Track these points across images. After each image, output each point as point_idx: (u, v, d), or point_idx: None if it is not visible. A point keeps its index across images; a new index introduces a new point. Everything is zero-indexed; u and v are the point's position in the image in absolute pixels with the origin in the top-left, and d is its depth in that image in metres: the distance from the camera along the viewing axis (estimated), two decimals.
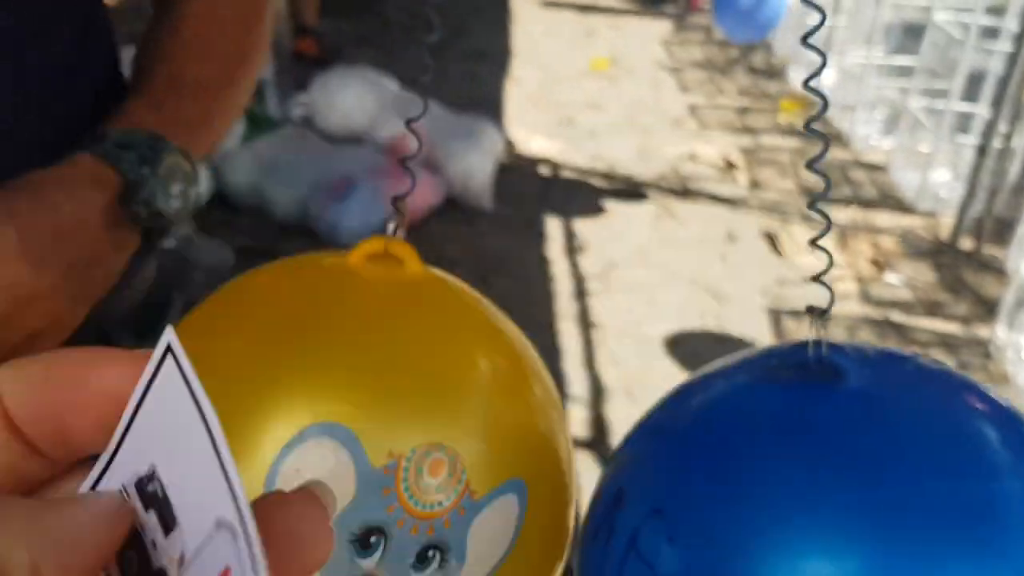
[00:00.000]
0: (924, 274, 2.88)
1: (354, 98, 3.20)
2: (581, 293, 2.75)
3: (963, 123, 3.30)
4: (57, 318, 0.58)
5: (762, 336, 2.52)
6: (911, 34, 3.66)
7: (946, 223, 3.14)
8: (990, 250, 2.97)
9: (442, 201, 2.99)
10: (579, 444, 2.14)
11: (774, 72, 4.55)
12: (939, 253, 3.00)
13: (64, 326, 0.59)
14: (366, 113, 3.22)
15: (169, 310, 0.81)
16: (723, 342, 2.51)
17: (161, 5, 0.76)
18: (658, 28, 5.19)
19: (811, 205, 0.38)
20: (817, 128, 0.42)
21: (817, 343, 0.44)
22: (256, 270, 0.51)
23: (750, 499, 0.38)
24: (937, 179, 3.29)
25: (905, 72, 3.61)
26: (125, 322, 0.73)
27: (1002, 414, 0.42)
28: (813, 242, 0.43)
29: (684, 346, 2.51)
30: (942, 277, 2.87)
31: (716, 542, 0.38)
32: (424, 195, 2.86)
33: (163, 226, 0.65)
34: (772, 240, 3.03)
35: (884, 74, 3.81)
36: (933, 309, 2.71)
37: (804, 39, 0.41)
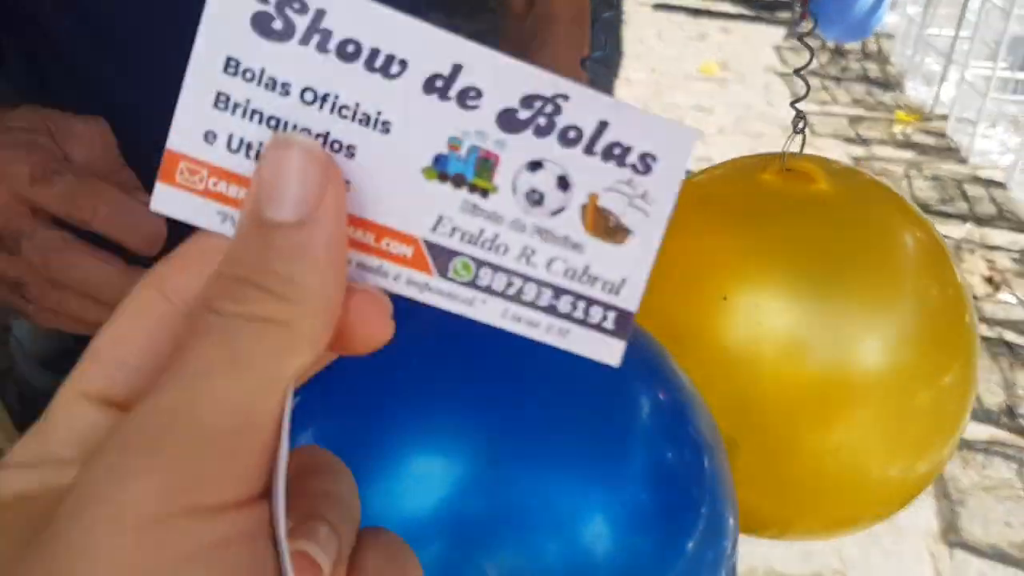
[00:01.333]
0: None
1: None
2: None
3: None
4: None
5: None
6: None
7: None
8: None
9: None
10: None
11: (890, 83, 4.46)
12: None
13: None
14: None
15: None
16: None
17: (531, 22, 0.90)
18: (771, 34, 5.14)
19: (797, 72, 0.48)
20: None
21: None
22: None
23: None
24: None
25: None
26: None
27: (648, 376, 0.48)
28: (794, 103, 0.58)
29: None
30: None
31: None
32: None
33: None
34: None
35: (1007, 89, 3.70)
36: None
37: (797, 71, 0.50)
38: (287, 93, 0.22)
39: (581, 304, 0.24)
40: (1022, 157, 3.37)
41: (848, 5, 3.12)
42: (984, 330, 2.62)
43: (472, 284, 0.23)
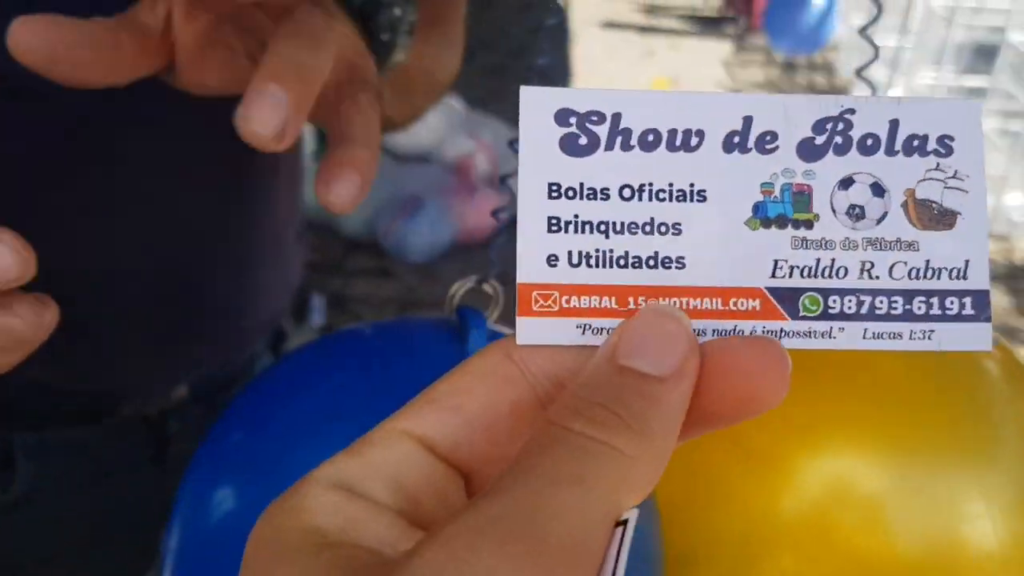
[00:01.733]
0: (999, 299, 2.83)
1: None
2: None
3: None
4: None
5: None
6: (982, 55, 3.61)
7: (1021, 247, 3.08)
8: None
9: (511, 217, 3.00)
10: None
11: (838, 94, 4.51)
12: (1013, 277, 2.94)
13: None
14: (433, 133, 3.25)
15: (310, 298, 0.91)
16: None
17: None
18: (718, 49, 5.18)
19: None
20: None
21: None
22: None
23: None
24: (1011, 202, 3.23)
25: (977, 93, 3.55)
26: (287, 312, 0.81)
27: None
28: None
29: None
30: (1018, 302, 2.81)
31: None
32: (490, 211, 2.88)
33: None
34: None
35: (954, 95, 3.75)
36: (1010, 335, 2.65)
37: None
38: (607, 197, 0.24)
39: (935, 300, 0.24)
40: None
41: (798, 19, 3.15)
42: None
43: (825, 316, 0.24)
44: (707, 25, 5.59)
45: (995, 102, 3.35)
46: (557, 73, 4.71)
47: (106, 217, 0.61)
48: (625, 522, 0.20)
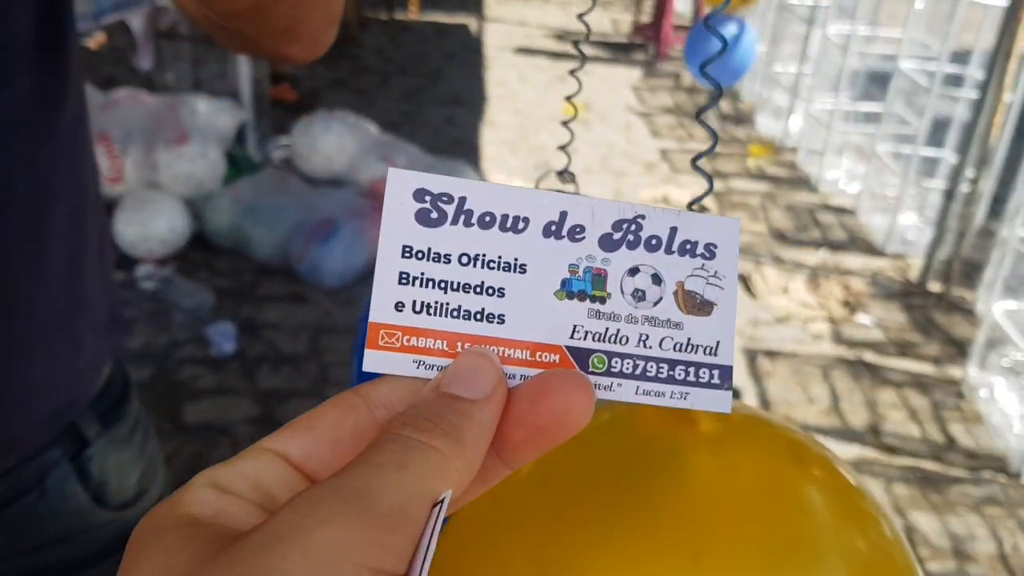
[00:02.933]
0: (895, 315, 2.94)
1: (335, 141, 3.23)
2: None
3: (930, 168, 3.40)
4: None
5: (737, 376, 2.56)
6: (877, 81, 3.77)
7: (915, 265, 3.22)
8: (959, 292, 3.05)
9: None
10: None
11: (742, 118, 4.65)
12: (909, 295, 3.07)
13: None
14: (347, 156, 3.24)
15: (130, 391, 0.76)
16: None
17: None
18: (628, 75, 5.29)
19: (694, 162, 0.40)
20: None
21: None
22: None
23: None
24: (905, 222, 3.37)
25: (872, 118, 3.71)
26: (91, 407, 0.70)
27: None
28: (692, 204, 0.42)
29: None
30: (912, 318, 2.93)
31: None
32: None
33: None
34: (745, 282, 3.08)
35: (851, 120, 3.91)
36: (905, 349, 2.76)
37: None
38: (449, 261, 0.29)
39: (692, 369, 0.30)
40: (869, 185, 3.54)
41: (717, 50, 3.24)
42: (844, 352, 2.72)
43: (608, 373, 0.30)
44: (617, 52, 5.71)
45: (889, 126, 3.51)
46: (472, 98, 4.75)
47: None
48: (441, 502, 0.24)
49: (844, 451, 2.30)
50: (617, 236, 0.30)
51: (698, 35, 3.33)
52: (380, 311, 0.29)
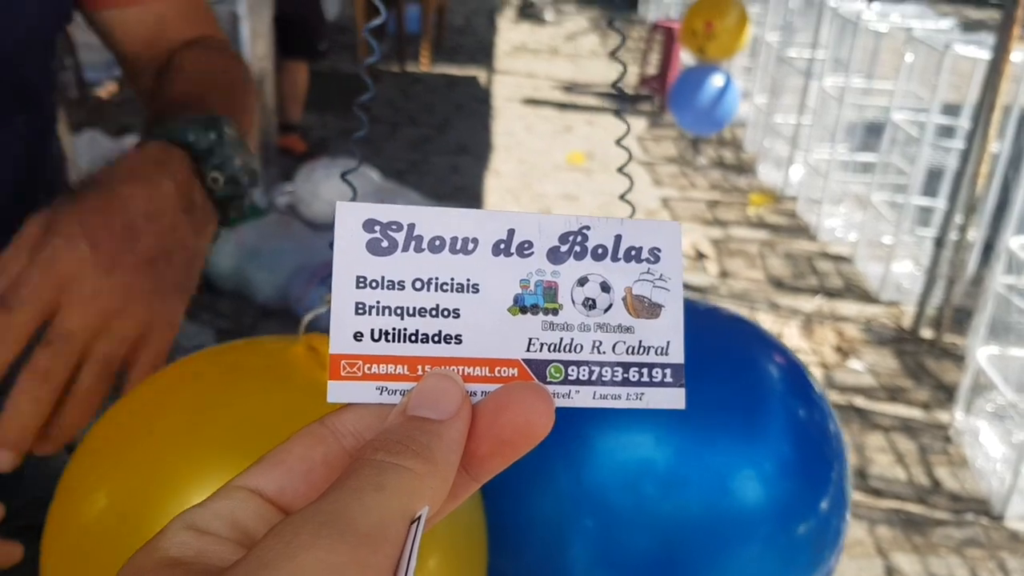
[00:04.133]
0: (887, 361, 2.97)
1: (337, 187, 3.31)
2: None
3: (924, 217, 3.44)
4: (150, 319, 0.57)
5: None
6: (874, 132, 3.83)
7: (908, 312, 3.25)
8: (950, 338, 3.07)
9: None
10: None
11: (744, 168, 4.72)
12: (901, 341, 3.10)
13: (164, 324, 0.58)
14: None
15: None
16: None
17: (160, 67, 0.82)
18: (633, 125, 5.39)
19: (614, 85, 0.49)
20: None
21: None
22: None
23: None
24: (899, 270, 3.40)
25: (869, 168, 3.77)
26: None
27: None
28: (619, 141, 0.58)
29: None
30: (904, 364, 2.96)
31: None
32: None
33: (239, 195, 0.64)
34: None
35: (848, 170, 3.97)
36: (895, 395, 2.78)
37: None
38: (403, 288, 0.30)
39: (645, 370, 0.31)
40: (866, 233, 3.59)
41: (699, 100, 3.32)
42: (835, 397, 2.75)
43: (565, 381, 0.31)
44: (623, 102, 5.80)
45: (884, 176, 3.56)
46: (478, 147, 4.85)
47: None
48: (418, 519, 0.25)
49: None
50: (564, 248, 0.31)
51: (682, 84, 3.41)
52: (339, 342, 0.30)
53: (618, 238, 0.31)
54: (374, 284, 0.30)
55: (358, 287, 0.30)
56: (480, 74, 6.36)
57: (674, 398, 0.31)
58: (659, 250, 0.31)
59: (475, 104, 5.65)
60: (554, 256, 0.31)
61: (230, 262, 2.97)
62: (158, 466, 0.48)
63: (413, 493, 0.26)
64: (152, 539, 0.26)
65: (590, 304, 0.31)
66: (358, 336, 0.30)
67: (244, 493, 0.27)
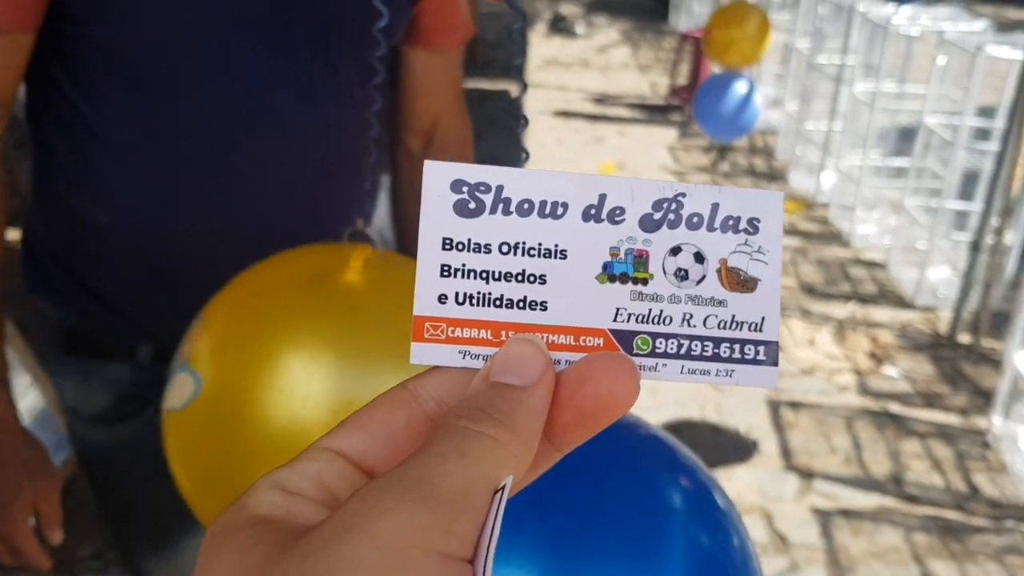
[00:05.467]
0: (923, 367, 2.92)
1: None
2: None
3: (960, 221, 3.40)
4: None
5: (759, 425, 2.56)
6: (907, 137, 3.79)
7: (944, 317, 3.20)
8: (988, 343, 3.02)
9: None
10: None
11: (776, 175, 4.69)
12: (938, 347, 3.05)
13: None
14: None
15: None
16: (721, 432, 2.55)
17: (427, 135, 1.08)
18: (663, 135, 5.37)
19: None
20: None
21: None
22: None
23: None
24: (935, 275, 3.36)
25: (902, 173, 3.73)
26: None
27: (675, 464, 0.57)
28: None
29: (683, 435, 2.54)
30: (940, 370, 2.91)
31: None
32: None
33: None
34: None
35: (881, 175, 3.93)
36: (931, 401, 2.74)
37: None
38: (489, 251, 0.29)
39: (737, 346, 0.30)
40: (900, 239, 3.55)
41: (722, 107, 3.31)
42: (869, 403, 2.71)
43: (652, 354, 0.30)
44: (654, 113, 5.80)
45: (918, 180, 3.52)
46: (508, 159, 4.85)
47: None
48: (503, 488, 0.25)
49: (864, 500, 2.29)
50: (658, 216, 0.30)
51: (705, 91, 3.40)
52: (424, 304, 0.29)
53: (715, 206, 0.30)
54: (460, 246, 0.29)
55: (444, 249, 0.29)
56: (512, 88, 6.38)
57: (766, 376, 0.30)
58: (758, 220, 0.30)
59: (507, 118, 5.67)
60: (646, 223, 0.30)
61: None
62: (255, 348, 0.62)
63: (496, 461, 0.26)
64: (240, 497, 0.26)
65: (682, 275, 0.30)
66: (442, 299, 0.29)
67: (329, 455, 0.27)
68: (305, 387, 0.60)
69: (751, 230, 0.30)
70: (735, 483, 2.33)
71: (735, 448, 2.49)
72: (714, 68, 5.17)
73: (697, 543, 0.54)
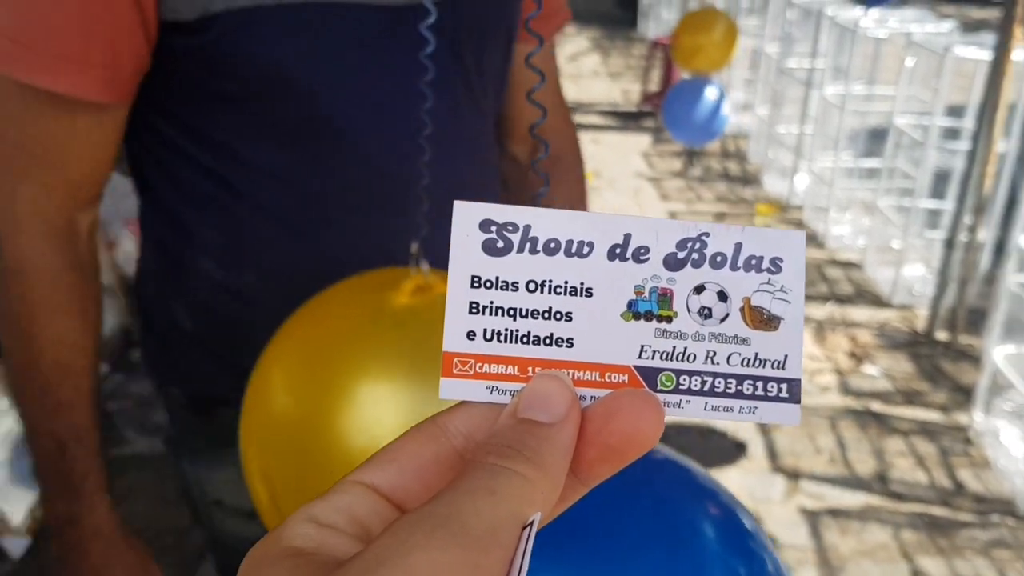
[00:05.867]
0: (902, 365, 2.96)
1: None
2: None
3: (933, 219, 3.44)
4: None
5: (748, 427, 2.58)
6: (877, 138, 3.84)
7: (921, 315, 3.24)
8: (965, 339, 3.06)
9: None
10: None
11: (749, 179, 4.73)
12: (916, 344, 3.09)
13: None
14: None
15: None
16: (709, 435, 2.57)
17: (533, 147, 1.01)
18: (637, 142, 5.40)
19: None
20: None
21: None
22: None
23: None
24: (910, 273, 3.40)
25: (874, 174, 3.77)
26: None
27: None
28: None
29: (672, 440, 2.56)
30: (920, 367, 2.94)
31: None
32: None
33: None
34: None
35: (854, 177, 3.97)
36: (912, 398, 2.77)
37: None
38: (516, 289, 0.30)
39: (760, 384, 0.30)
40: (874, 239, 3.59)
41: (691, 113, 3.35)
42: (852, 403, 2.74)
43: (676, 391, 0.30)
44: (627, 120, 5.83)
45: (890, 181, 3.56)
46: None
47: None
48: (531, 524, 0.26)
49: (851, 499, 2.31)
50: (682, 255, 0.30)
51: (673, 97, 3.43)
52: (453, 340, 0.30)
53: (738, 246, 0.30)
54: (488, 284, 0.30)
55: (472, 287, 0.30)
56: None
57: (789, 414, 0.30)
58: (781, 260, 0.30)
59: None
60: (671, 262, 0.30)
61: None
62: (325, 377, 0.65)
63: (524, 498, 0.26)
64: (276, 530, 0.27)
65: (706, 313, 0.30)
66: (471, 335, 0.30)
67: (361, 488, 0.28)
68: (380, 411, 0.62)
69: (774, 269, 0.30)
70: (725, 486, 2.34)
71: (723, 451, 2.50)
72: (684, 74, 5.21)
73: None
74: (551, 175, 0.93)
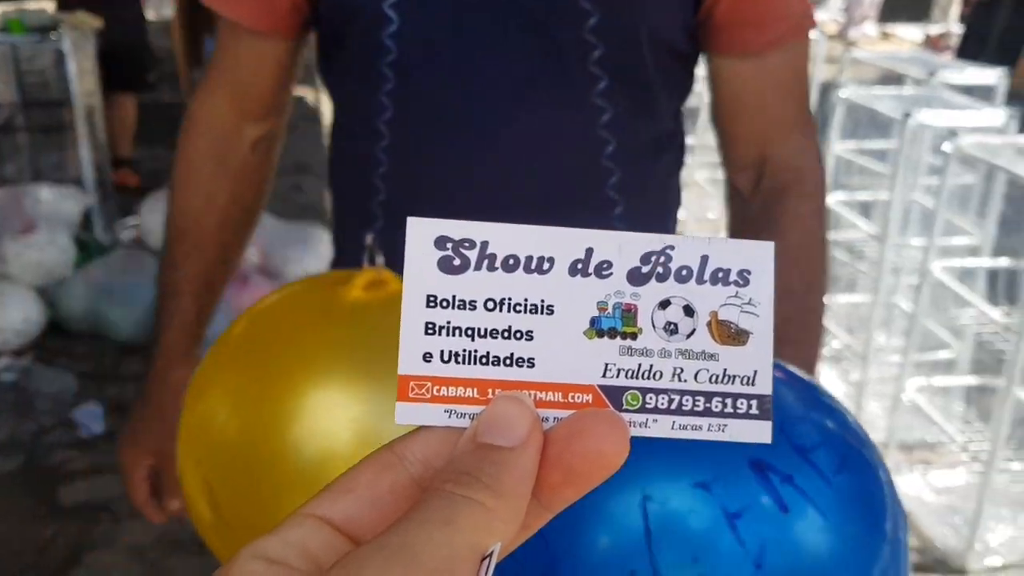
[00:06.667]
0: None
1: None
2: None
3: None
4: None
5: None
6: (689, 116, 4.09)
7: None
8: None
9: None
10: None
11: None
12: None
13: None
14: None
15: None
16: None
17: (760, 204, 0.87)
18: None
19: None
20: None
21: None
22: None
23: None
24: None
25: (688, 150, 4.03)
26: None
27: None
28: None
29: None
30: None
31: None
32: None
33: None
34: None
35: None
36: None
37: None
38: (474, 308, 0.29)
39: (729, 400, 0.29)
40: None
41: None
42: None
43: (643, 409, 0.29)
44: None
45: (704, 156, 3.83)
46: (318, 164, 4.84)
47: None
48: (490, 555, 0.25)
49: None
50: (646, 269, 0.29)
51: None
52: (408, 363, 0.29)
53: (704, 258, 0.29)
54: (445, 303, 0.29)
55: (428, 306, 0.29)
56: (308, 93, 6.35)
57: (759, 431, 0.30)
58: (749, 272, 0.29)
59: (307, 124, 5.65)
60: (634, 277, 0.29)
61: (82, 303, 2.91)
62: (267, 384, 0.62)
63: (483, 528, 0.25)
64: (222, 568, 0.26)
65: (672, 329, 0.29)
66: (427, 357, 0.29)
67: (314, 521, 0.27)
68: (332, 421, 0.60)
69: (741, 282, 0.30)
70: None
71: None
72: None
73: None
74: (780, 205, 0.85)
